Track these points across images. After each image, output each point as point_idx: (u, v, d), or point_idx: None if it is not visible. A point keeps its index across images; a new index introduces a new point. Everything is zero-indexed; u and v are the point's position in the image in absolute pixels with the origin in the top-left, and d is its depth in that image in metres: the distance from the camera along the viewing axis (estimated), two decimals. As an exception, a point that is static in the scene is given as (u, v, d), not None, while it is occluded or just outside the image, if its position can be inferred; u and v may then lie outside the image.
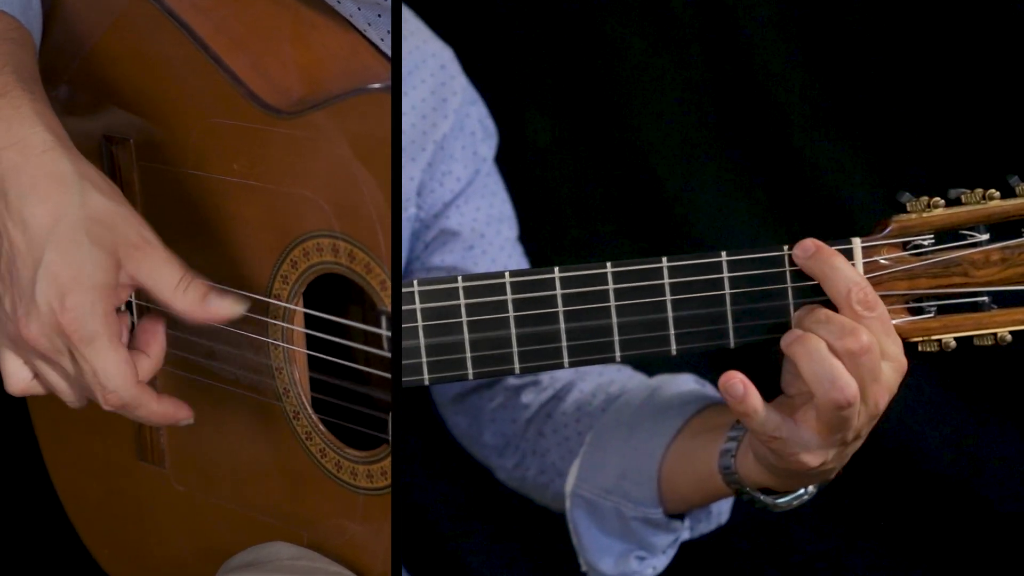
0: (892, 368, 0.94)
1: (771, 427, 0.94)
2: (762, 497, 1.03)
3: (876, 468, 1.63)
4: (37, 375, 0.99)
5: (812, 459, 0.95)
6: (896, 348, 0.93)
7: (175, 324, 1.06)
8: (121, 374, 0.96)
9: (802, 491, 1.03)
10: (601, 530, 1.14)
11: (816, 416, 0.93)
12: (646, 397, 1.14)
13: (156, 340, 1.01)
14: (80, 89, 1.10)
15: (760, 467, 1.00)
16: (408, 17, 1.18)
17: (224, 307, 0.99)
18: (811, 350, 0.92)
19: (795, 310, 0.95)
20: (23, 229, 0.95)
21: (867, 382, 0.92)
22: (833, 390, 0.91)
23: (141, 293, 1.01)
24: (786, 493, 1.03)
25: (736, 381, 0.93)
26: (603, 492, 1.13)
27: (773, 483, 1.01)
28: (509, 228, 1.22)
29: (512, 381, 1.20)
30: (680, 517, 1.13)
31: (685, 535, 1.14)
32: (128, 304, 1.05)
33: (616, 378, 1.18)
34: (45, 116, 0.97)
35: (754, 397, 0.93)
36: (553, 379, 1.20)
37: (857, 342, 0.91)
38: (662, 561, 1.14)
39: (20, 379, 0.99)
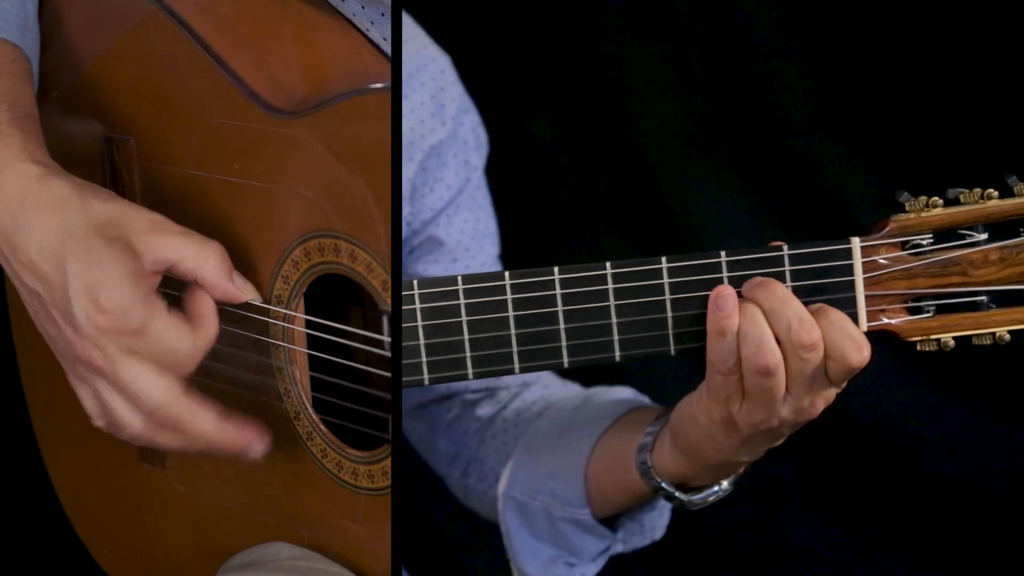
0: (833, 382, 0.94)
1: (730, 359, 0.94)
2: (677, 494, 1.04)
3: (876, 468, 1.64)
4: (102, 405, 0.99)
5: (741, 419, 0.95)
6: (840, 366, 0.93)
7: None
8: (183, 334, 0.97)
9: (717, 487, 1.04)
10: (531, 532, 1.14)
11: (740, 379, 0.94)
12: (579, 403, 1.16)
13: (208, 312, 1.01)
14: (82, 90, 1.10)
15: (676, 457, 1.01)
16: (407, 22, 1.19)
17: (246, 289, 1.00)
18: (748, 313, 0.92)
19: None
20: (40, 252, 0.97)
21: (803, 379, 0.93)
22: (759, 356, 0.92)
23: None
24: (701, 489, 1.04)
25: (729, 295, 0.93)
26: (532, 492, 1.14)
27: (689, 475, 1.03)
28: (492, 244, 1.24)
29: (469, 395, 1.21)
30: (611, 525, 1.13)
31: (619, 547, 1.15)
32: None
33: (560, 391, 1.20)
34: (36, 153, 0.99)
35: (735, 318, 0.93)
36: (508, 391, 1.21)
37: (809, 337, 0.91)
38: (591, 570, 1.14)
39: (95, 412, 1.00)
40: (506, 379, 1.19)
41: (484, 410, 1.20)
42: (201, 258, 0.98)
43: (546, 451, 1.14)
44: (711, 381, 0.95)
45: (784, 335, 0.92)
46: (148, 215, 0.99)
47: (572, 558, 1.14)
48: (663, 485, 1.04)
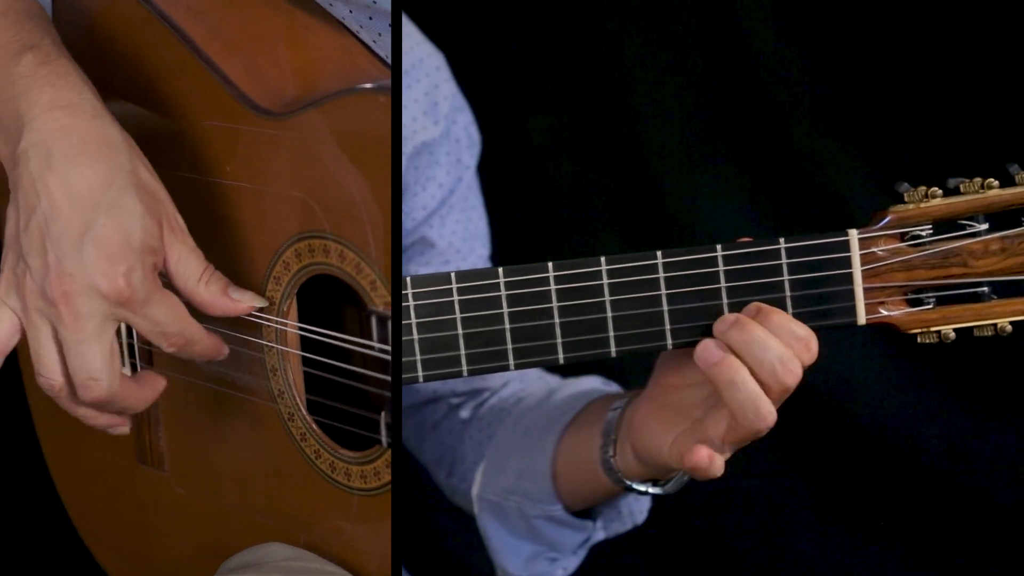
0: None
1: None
2: (650, 490, 1.03)
3: (876, 467, 1.62)
4: (34, 338, 0.98)
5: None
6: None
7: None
8: (181, 314, 0.98)
9: (680, 473, 1.02)
10: (509, 532, 1.14)
11: (727, 430, 0.94)
12: (543, 397, 1.15)
13: None
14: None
15: (640, 463, 1.01)
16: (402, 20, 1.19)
17: (246, 299, 1.00)
18: (737, 380, 0.91)
19: (791, 303, 0.94)
20: (67, 190, 0.94)
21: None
22: (758, 420, 0.91)
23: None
24: (670, 479, 1.03)
25: (704, 455, 0.93)
26: (504, 493, 1.13)
27: (655, 475, 1.02)
28: (483, 246, 1.24)
29: (454, 399, 1.21)
30: (589, 516, 1.13)
31: (599, 535, 1.14)
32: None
33: (531, 386, 1.20)
34: (90, 84, 0.98)
35: (718, 466, 0.94)
36: (489, 391, 1.21)
37: (794, 378, 0.91)
38: (573, 562, 1.14)
39: (3, 334, 0.98)
40: (490, 379, 1.19)
41: (465, 412, 1.20)
42: (198, 283, 0.99)
43: (513, 451, 1.14)
44: (741, 432, 0.94)
45: (770, 379, 0.91)
46: (177, 215, 0.99)
47: (553, 552, 1.13)
48: (634, 486, 1.03)
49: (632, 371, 1.08)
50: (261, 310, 1.02)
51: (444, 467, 1.22)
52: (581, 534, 1.13)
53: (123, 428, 1.02)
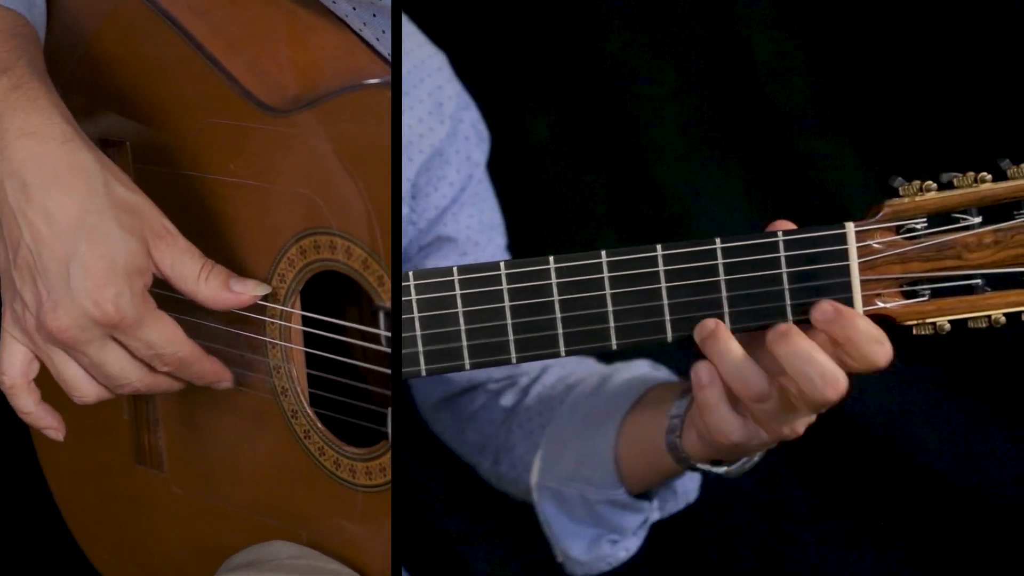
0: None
1: (726, 424, 0.95)
2: (714, 470, 1.05)
3: (876, 468, 1.63)
4: (54, 368, 0.99)
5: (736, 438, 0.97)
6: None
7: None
8: (176, 336, 0.99)
9: (745, 459, 1.04)
10: (570, 518, 1.15)
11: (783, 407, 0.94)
12: (598, 383, 1.16)
13: None
14: (77, 92, 1.10)
15: (707, 446, 1.02)
16: (403, 20, 1.19)
17: (248, 289, 1.00)
18: (798, 349, 0.92)
19: (789, 295, 0.95)
20: (47, 220, 0.95)
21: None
22: (826, 386, 0.92)
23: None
24: (734, 460, 1.04)
25: (702, 369, 0.94)
26: (565, 480, 1.14)
27: (719, 455, 1.03)
28: (500, 236, 1.25)
29: (492, 385, 1.22)
30: (647, 497, 1.14)
31: (655, 515, 1.16)
32: None
33: (575, 370, 1.20)
34: (61, 108, 0.98)
35: (716, 389, 0.94)
36: (528, 376, 1.22)
37: (836, 392, 0.92)
38: (634, 543, 1.16)
39: (17, 366, 0.99)
40: (524, 365, 1.20)
41: (507, 399, 1.21)
42: (197, 281, 0.99)
43: (572, 439, 1.15)
44: (717, 447, 0.97)
45: (810, 389, 0.92)
46: (163, 220, 0.99)
47: (614, 535, 1.15)
48: (699, 466, 1.05)
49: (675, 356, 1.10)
50: (265, 298, 1.02)
51: (489, 455, 1.22)
52: (640, 515, 1.14)
53: (227, 383, 1.03)
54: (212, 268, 0.99)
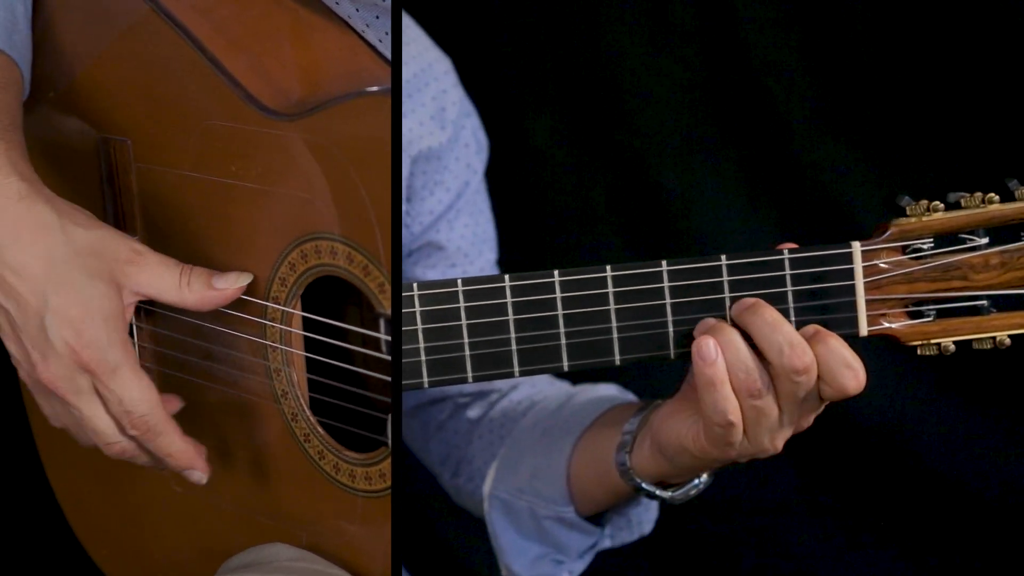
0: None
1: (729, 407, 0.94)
2: (658, 492, 1.04)
3: (875, 468, 1.64)
4: (52, 418, 1.01)
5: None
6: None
7: (172, 325, 1.06)
8: (147, 398, 0.98)
9: (696, 480, 1.04)
10: (517, 531, 1.15)
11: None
12: (563, 401, 1.16)
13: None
14: (78, 90, 1.09)
15: (657, 462, 1.01)
16: (408, 24, 1.19)
17: (230, 282, 1.00)
18: (767, 317, 0.92)
19: (794, 313, 0.95)
20: (18, 277, 0.96)
21: (795, 400, 0.94)
22: (793, 355, 0.92)
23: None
24: (680, 486, 1.04)
25: (709, 344, 0.93)
26: (517, 492, 1.14)
27: (668, 474, 1.03)
28: (490, 251, 1.24)
29: (460, 399, 1.22)
30: (598, 522, 1.14)
31: (606, 543, 1.15)
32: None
33: (544, 388, 1.20)
34: (19, 165, 0.98)
35: (721, 368, 0.93)
36: (498, 392, 1.21)
37: (801, 361, 0.92)
38: (579, 566, 1.15)
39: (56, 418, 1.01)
40: (497, 381, 1.20)
41: (474, 412, 1.21)
42: (180, 290, 0.99)
43: (529, 451, 1.15)
44: (709, 432, 0.95)
45: (776, 359, 0.92)
46: (128, 244, 0.99)
47: (559, 555, 1.14)
48: (643, 485, 1.04)
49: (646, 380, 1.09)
50: (264, 313, 1.02)
51: (450, 467, 1.23)
52: (589, 539, 1.13)
53: (199, 474, 1.03)
54: (191, 272, 1.00)
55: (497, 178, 1.26)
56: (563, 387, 1.20)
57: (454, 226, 1.20)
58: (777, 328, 0.92)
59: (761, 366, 0.93)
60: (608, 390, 1.17)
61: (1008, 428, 1.61)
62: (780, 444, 0.96)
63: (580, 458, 1.11)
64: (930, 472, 1.63)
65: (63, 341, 0.96)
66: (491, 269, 1.23)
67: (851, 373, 0.92)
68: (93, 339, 0.96)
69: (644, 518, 1.16)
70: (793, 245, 0.95)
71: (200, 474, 1.02)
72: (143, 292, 0.98)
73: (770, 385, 0.93)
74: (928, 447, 1.63)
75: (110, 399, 0.98)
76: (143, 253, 0.99)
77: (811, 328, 0.93)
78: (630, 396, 1.16)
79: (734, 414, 0.94)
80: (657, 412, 1.02)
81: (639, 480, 1.04)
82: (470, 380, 0.95)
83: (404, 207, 1.18)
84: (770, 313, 0.93)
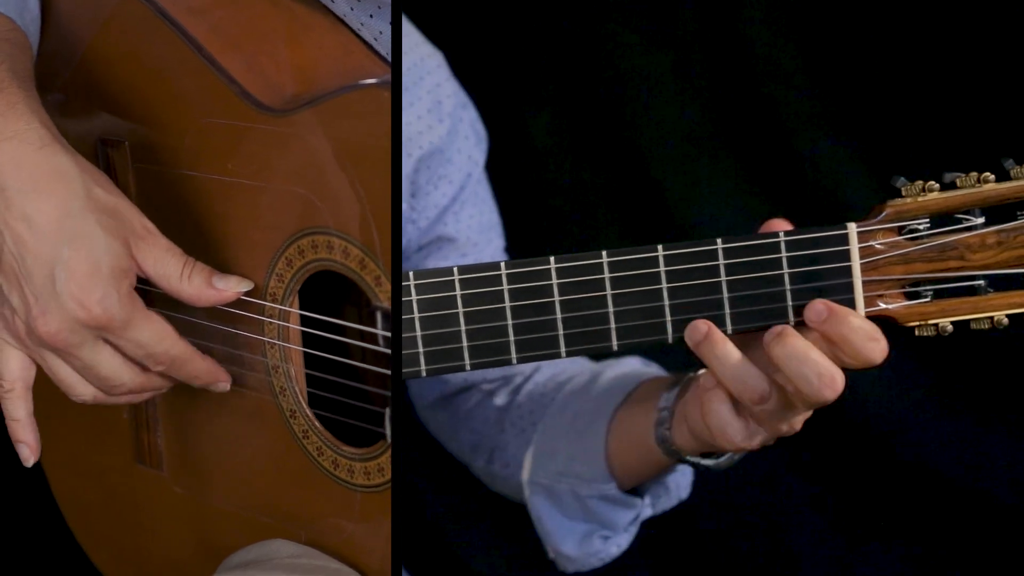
0: None
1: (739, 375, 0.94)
2: (703, 462, 1.05)
3: (876, 467, 1.63)
4: (49, 370, 0.99)
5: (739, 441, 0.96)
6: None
7: (171, 321, 1.06)
8: (166, 334, 0.99)
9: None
10: (562, 513, 1.15)
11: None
12: (589, 380, 1.17)
13: None
14: (75, 92, 1.10)
15: (696, 439, 1.02)
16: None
17: (231, 285, 1.00)
18: (794, 350, 0.91)
19: (791, 296, 0.95)
20: (28, 225, 0.95)
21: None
22: (823, 386, 0.91)
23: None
24: (723, 452, 1.04)
25: (700, 324, 0.93)
26: (557, 475, 1.15)
27: (708, 447, 1.03)
28: (498, 237, 1.25)
29: (486, 385, 1.22)
30: (638, 493, 1.14)
31: (647, 512, 1.16)
32: None
33: (567, 368, 1.21)
34: (40, 113, 0.97)
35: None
36: (522, 376, 1.22)
37: (833, 391, 0.91)
38: (625, 539, 1.16)
39: (15, 370, 0.99)
40: (519, 365, 1.20)
41: (500, 399, 1.21)
42: (180, 280, 0.99)
43: (563, 436, 1.15)
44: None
45: (807, 389, 0.91)
46: (143, 220, 0.99)
47: (606, 531, 1.15)
48: (688, 459, 1.05)
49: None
50: (263, 298, 1.02)
51: (483, 454, 1.23)
52: (632, 511, 1.14)
53: (224, 384, 1.04)
54: (194, 266, 1.00)
55: (497, 176, 1.26)
56: (585, 364, 1.21)
57: (460, 217, 1.20)
58: (805, 362, 0.91)
59: (757, 371, 0.93)
60: (632, 364, 1.17)
61: (1008, 428, 1.60)
62: (799, 425, 0.97)
63: (616, 436, 1.11)
64: (930, 472, 1.62)
65: (71, 296, 0.95)
66: (501, 255, 1.24)
67: (877, 346, 0.92)
68: (104, 296, 0.95)
69: (682, 483, 1.16)
70: (784, 221, 0.95)
71: (224, 384, 1.04)
72: (145, 270, 0.98)
73: (770, 386, 0.93)
74: (928, 447, 1.62)
75: (127, 347, 0.98)
76: (154, 233, 0.99)
77: (822, 307, 0.93)
78: (653, 367, 1.16)
79: (739, 435, 0.95)
80: (683, 399, 1.03)
81: (684, 454, 1.04)
82: (467, 368, 0.94)
83: (409, 203, 1.19)
84: (800, 344, 0.91)
